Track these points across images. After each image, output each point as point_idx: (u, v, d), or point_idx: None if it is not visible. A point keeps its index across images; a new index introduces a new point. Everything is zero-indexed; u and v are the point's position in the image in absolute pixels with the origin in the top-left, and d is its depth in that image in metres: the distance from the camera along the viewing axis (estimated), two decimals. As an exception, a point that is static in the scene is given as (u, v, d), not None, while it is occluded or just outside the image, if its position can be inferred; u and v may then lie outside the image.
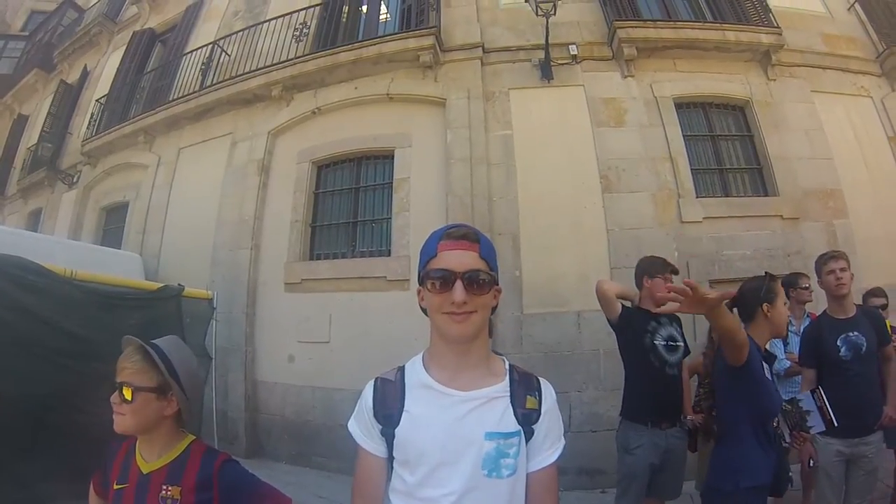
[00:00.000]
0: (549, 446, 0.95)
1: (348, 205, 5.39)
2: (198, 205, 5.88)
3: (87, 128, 7.99)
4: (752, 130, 5.26)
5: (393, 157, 5.29)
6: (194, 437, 1.20)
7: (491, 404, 0.91)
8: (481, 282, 0.88)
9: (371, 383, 0.99)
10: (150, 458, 1.12)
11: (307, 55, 5.85)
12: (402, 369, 1.00)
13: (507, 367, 1.00)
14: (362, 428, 0.96)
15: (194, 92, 6.55)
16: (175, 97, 6.81)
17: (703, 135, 5.29)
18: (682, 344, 2.54)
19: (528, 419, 0.92)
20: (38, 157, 8.67)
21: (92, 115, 8.05)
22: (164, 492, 1.07)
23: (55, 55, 11.14)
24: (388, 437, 0.92)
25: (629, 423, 2.49)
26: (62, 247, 5.62)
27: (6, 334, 2.98)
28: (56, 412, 3.11)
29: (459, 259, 0.89)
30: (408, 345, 4.76)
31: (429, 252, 0.93)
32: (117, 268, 5.06)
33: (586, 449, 4.05)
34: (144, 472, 1.11)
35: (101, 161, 7.51)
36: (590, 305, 4.13)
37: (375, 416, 0.94)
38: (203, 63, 6.85)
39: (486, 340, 0.99)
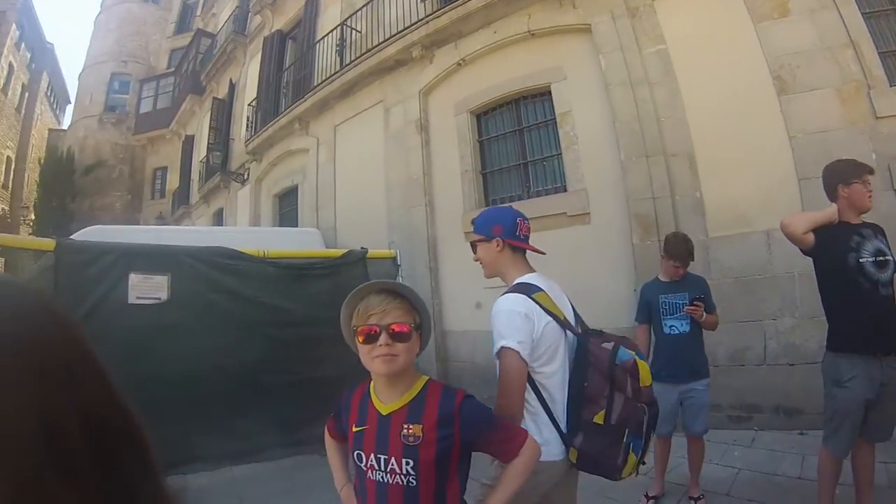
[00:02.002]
0: None
1: (514, 147, 5.27)
2: (364, 173, 6.21)
3: (246, 130, 8.96)
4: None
5: (550, 93, 5.07)
6: (428, 377, 1.17)
7: None
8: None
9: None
10: (388, 400, 1.12)
11: (438, 11, 5.78)
12: None
13: None
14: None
15: (336, 72, 6.89)
16: (318, 82, 7.25)
17: (887, 9, 4.12)
18: (891, 258, 2.14)
19: None
20: (210, 165, 10.04)
21: (247, 118, 9.02)
22: (405, 430, 1.07)
23: (202, 79, 12.76)
24: None
25: (838, 354, 2.15)
26: (248, 234, 6.38)
27: (217, 314, 3.51)
28: (265, 375, 3.62)
29: None
30: (594, 278, 4.52)
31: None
32: (300, 244, 5.58)
33: (782, 384, 3.58)
34: (384, 413, 1.11)
35: (264, 155, 8.37)
36: (778, 223, 3.68)
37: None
38: (337, 45, 7.18)
39: None
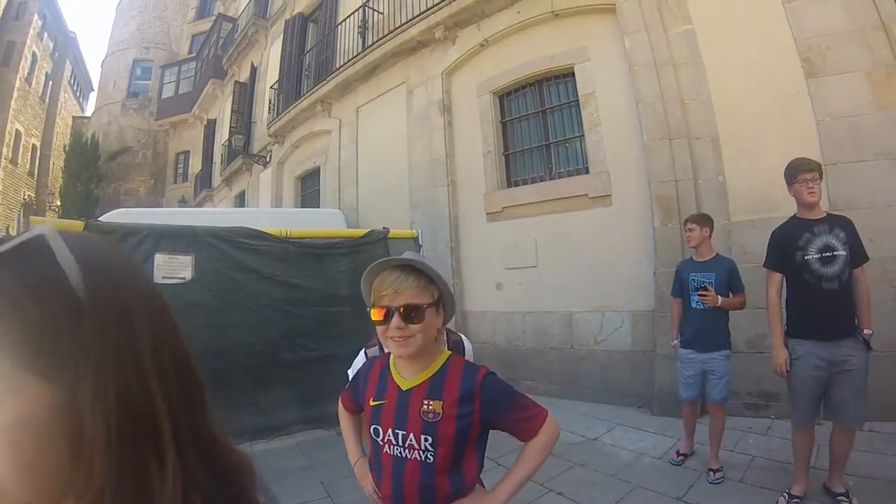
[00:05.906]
0: None
1: (537, 129, 5.26)
2: (386, 154, 6.26)
3: (269, 113, 9.06)
4: None
5: (574, 74, 5.02)
6: (450, 352, 1.14)
7: None
8: None
9: None
10: (408, 375, 1.10)
11: (461, -9, 5.73)
12: None
13: None
14: None
15: (358, 54, 6.92)
16: (341, 64, 7.29)
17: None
18: (842, 253, 2.25)
19: None
20: (232, 149, 10.20)
21: (269, 101, 9.11)
22: (425, 406, 1.05)
23: (224, 63, 12.88)
24: None
25: (790, 337, 2.40)
26: (270, 215, 6.50)
27: (238, 292, 3.60)
28: (284, 351, 3.73)
29: None
30: (615, 261, 4.53)
31: None
32: (322, 224, 5.66)
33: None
34: (404, 388, 1.09)
35: (287, 137, 8.47)
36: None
37: None
38: (359, 26, 7.20)
39: None
